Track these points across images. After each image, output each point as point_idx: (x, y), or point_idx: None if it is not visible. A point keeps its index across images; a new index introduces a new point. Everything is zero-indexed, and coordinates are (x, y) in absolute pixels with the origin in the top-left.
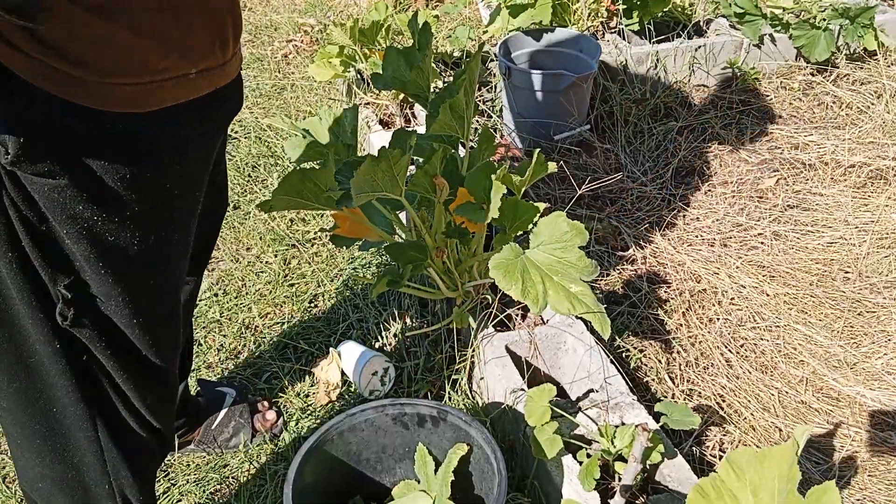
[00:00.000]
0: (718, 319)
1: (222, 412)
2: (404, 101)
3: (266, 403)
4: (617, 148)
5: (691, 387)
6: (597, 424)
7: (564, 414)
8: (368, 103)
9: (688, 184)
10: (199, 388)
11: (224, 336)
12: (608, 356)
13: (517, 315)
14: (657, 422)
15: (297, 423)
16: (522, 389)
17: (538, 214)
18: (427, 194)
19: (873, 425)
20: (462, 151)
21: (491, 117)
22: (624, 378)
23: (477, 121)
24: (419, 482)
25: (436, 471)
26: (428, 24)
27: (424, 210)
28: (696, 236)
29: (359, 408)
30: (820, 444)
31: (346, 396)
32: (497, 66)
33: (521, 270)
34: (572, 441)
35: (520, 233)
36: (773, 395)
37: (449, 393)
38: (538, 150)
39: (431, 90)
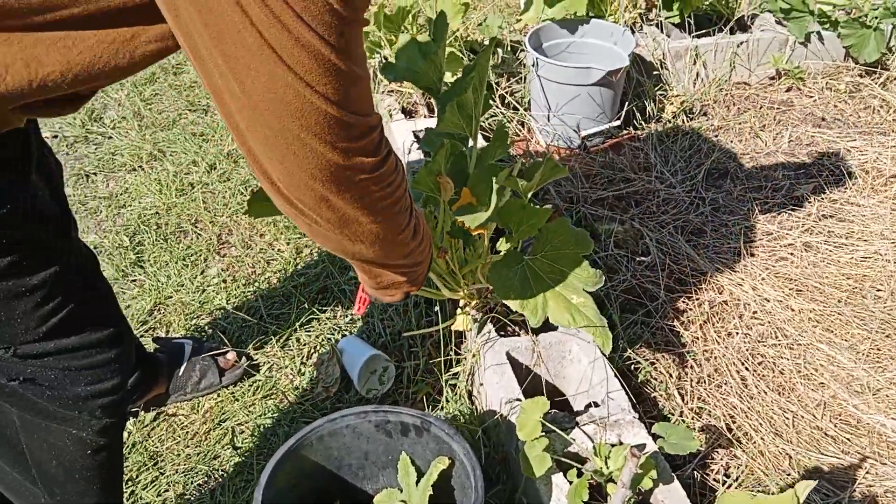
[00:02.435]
0: (738, 334)
1: (185, 361)
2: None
3: (224, 348)
4: (647, 146)
5: (701, 405)
6: (593, 442)
7: (557, 430)
8: (392, 91)
9: (719, 187)
10: (156, 346)
11: (228, 324)
12: (612, 369)
13: (522, 320)
14: (656, 442)
15: (291, 421)
16: (518, 400)
17: (545, 219)
18: (431, 193)
19: (892, 459)
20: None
21: (518, 110)
22: (627, 393)
23: (503, 113)
24: (401, 491)
25: (418, 481)
26: (444, 13)
27: (431, 208)
28: (723, 243)
29: (340, 413)
30: (832, 476)
31: (345, 394)
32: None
33: (520, 279)
34: (564, 459)
35: (526, 238)
36: (787, 418)
37: (447, 397)
38: (551, 153)
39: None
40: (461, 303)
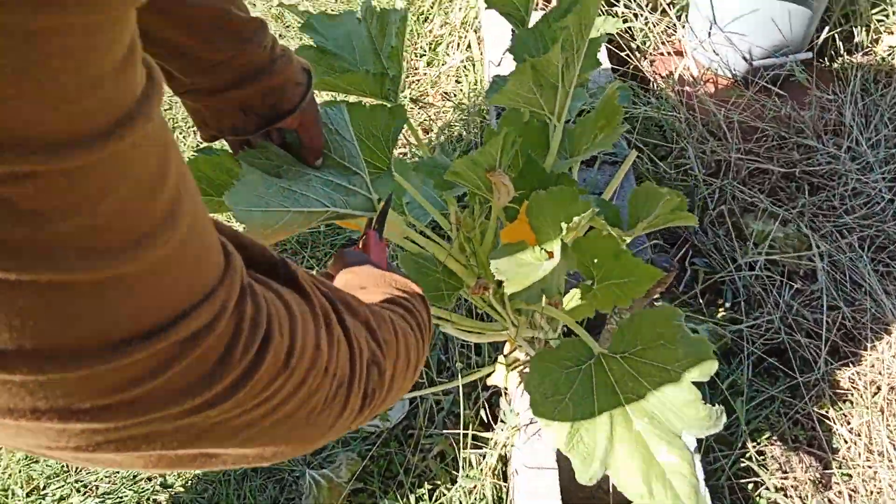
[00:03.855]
0: None
1: None
2: None
3: None
4: (842, 98)
5: None
6: None
7: None
8: None
9: None
10: None
11: None
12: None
13: None
14: None
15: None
16: None
17: (649, 284)
18: (478, 191)
19: None
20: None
21: (667, 14)
22: None
23: (645, 17)
24: None
25: None
26: None
27: (477, 204)
28: None
29: None
30: None
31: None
32: None
33: (578, 390)
34: None
35: (610, 306)
36: None
37: (465, 474)
38: (703, 83)
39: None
40: (506, 347)
